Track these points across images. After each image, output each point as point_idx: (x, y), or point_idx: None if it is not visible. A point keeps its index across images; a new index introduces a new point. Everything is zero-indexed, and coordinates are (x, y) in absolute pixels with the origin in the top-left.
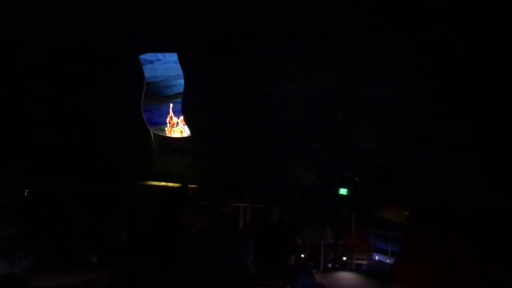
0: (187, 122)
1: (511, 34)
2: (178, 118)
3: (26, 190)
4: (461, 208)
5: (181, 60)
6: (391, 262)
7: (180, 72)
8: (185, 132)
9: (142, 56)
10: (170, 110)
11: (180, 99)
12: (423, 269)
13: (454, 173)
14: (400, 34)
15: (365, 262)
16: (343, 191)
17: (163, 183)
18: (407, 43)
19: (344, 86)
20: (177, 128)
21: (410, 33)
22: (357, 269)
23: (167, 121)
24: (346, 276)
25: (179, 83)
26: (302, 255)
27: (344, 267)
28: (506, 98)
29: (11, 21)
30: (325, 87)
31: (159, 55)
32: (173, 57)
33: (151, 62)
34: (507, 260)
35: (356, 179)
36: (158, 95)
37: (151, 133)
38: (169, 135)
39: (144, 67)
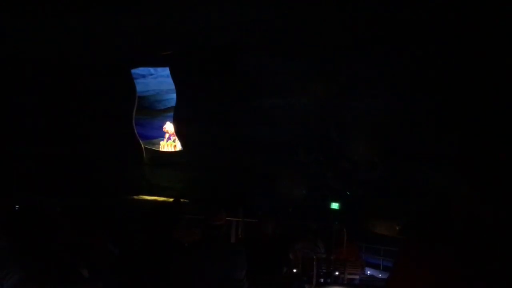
0: (179, 136)
1: (500, 50)
2: (171, 133)
3: (16, 205)
4: (454, 221)
5: (173, 74)
6: (383, 276)
7: (172, 86)
8: (178, 146)
9: (134, 71)
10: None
11: (172, 113)
12: (418, 283)
13: (446, 186)
14: (391, 47)
15: (357, 277)
16: (335, 204)
17: (155, 197)
18: (398, 56)
19: (335, 99)
20: (169, 142)
21: (401, 46)
22: (349, 283)
23: (165, 135)
24: None
25: (171, 98)
26: (295, 270)
27: (337, 281)
28: (496, 111)
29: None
30: (317, 101)
31: (151, 70)
32: (165, 71)
33: (143, 76)
34: (501, 271)
35: (348, 192)
36: (150, 110)
37: (143, 147)
38: (162, 149)
39: (136, 81)
